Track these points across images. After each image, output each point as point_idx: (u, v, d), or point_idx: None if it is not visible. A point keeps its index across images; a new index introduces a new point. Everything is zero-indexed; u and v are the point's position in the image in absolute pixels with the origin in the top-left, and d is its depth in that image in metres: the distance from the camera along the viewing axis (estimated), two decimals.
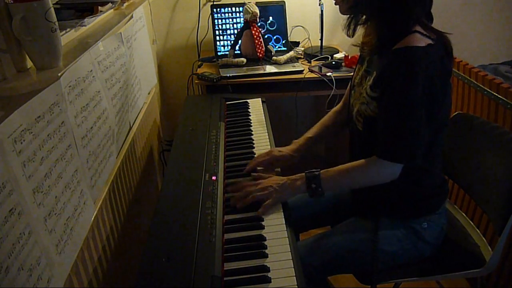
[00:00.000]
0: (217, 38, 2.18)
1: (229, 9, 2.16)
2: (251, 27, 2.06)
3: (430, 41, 1.02)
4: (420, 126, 1.03)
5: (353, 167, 1.12)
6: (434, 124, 1.07)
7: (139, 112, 1.62)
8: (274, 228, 1.04)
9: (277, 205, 1.12)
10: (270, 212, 1.10)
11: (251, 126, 1.55)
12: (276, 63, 2.06)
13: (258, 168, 1.28)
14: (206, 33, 2.30)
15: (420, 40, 1.02)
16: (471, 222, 1.36)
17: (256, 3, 2.11)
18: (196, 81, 1.99)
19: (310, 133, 1.39)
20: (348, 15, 1.13)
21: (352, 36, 1.20)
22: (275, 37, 2.22)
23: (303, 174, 1.14)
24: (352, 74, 1.94)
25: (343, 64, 2.03)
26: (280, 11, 2.19)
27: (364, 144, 1.20)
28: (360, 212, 1.25)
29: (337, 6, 1.15)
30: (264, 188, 1.13)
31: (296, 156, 1.33)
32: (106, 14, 1.38)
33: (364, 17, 1.11)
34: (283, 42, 2.23)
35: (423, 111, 1.03)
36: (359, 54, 1.32)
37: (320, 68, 1.99)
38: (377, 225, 1.17)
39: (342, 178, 1.13)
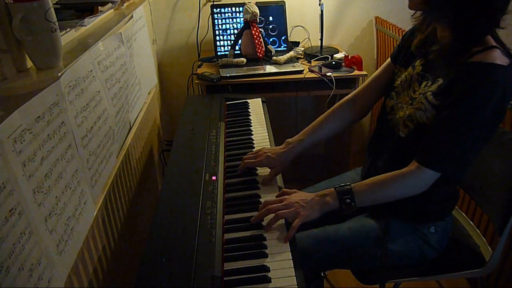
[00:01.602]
0: (217, 38, 2.18)
1: (229, 9, 2.16)
2: (251, 27, 2.06)
3: (508, 60, 0.97)
4: (476, 145, 1.01)
5: (389, 177, 1.06)
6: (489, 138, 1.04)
7: (139, 112, 1.62)
8: (274, 228, 1.04)
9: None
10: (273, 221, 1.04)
11: (251, 126, 1.55)
12: (276, 63, 2.06)
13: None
14: (206, 33, 2.30)
15: (502, 58, 0.96)
16: (471, 222, 1.36)
17: (256, 3, 2.11)
18: (196, 81, 2.00)
19: (304, 134, 1.30)
20: (419, 11, 1.06)
21: (424, 33, 1.12)
22: (275, 37, 2.22)
23: (332, 189, 1.07)
24: (351, 74, 1.97)
25: (343, 64, 2.03)
26: (280, 11, 2.19)
27: (402, 151, 1.13)
28: (368, 212, 1.24)
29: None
30: (289, 205, 1.05)
31: (284, 165, 1.26)
32: (106, 14, 1.38)
33: (436, 15, 1.03)
34: (283, 42, 2.23)
35: (486, 129, 0.99)
36: (404, 52, 1.22)
37: (320, 68, 1.99)
38: (387, 225, 1.17)
39: (377, 190, 1.07)
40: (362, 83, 2.01)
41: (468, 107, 0.98)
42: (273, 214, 1.03)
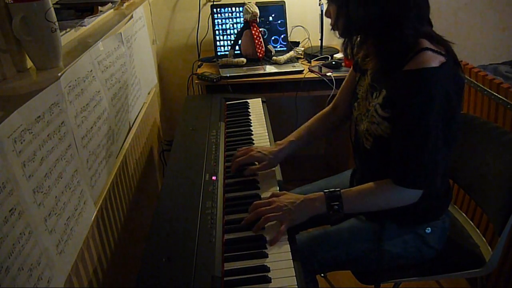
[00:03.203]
0: (217, 38, 2.18)
1: (229, 9, 2.16)
2: (251, 27, 2.06)
3: (442, 58, 0.97)
4: (438, 149, 0.99)
5: (376, 189, 1.07)
6: (450, 138, 1.03)
7: (139, 112, 1.62)
8: (274, 227, 1.04)
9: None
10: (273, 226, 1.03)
11: (251, 126, 1.55)
12: (276, 63, 2.06)
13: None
14: (206, 33, 2.30)
15: (434, 59, 0.96)
16: (471, 222, 1.36)
17: (256, 3, 2.11)
18: (196, 81, 1.99)
19: (293, 136, 1.34)
20: (344, 38, 1.10)
21: (353, 58, 1.16)
22: (275, 37, 2.22)
23: (322, 193, 1.08)
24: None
25: (343, 64, 2.03)
26: (280, 11, 2.19)
27: (371, 162, 1.16)
28: (364, 213, 1.24)
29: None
30: (277, 208, 1.05)
31: (274, 162, 1.28)
32: (106, 14, 1.38)
33: (359, 38, 1.09)
34: (283, 42, 2.23)
35: (441, 133, 0.99)
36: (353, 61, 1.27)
37: (320, 68, 1.99)
38: (382, 227, 1.17)
39: (364, 200, 1.08)
40: None
41: (415, 117, 0.98)
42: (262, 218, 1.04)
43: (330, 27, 1.11)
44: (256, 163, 1.27)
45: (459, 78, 1.01)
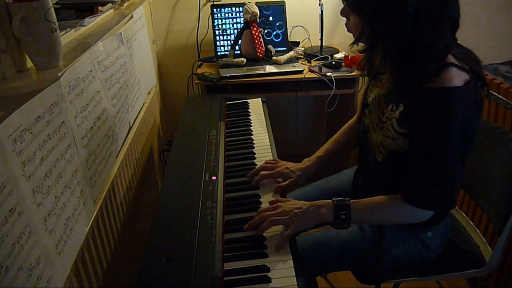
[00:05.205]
0: (217, 38, 2.18)
1: (229, 9, 2.16)
2: (251, 27, 2.06)
3: (467, 76, 0.92)
4: (456, 171, 0.97)
5: (386, 205, 1.04)
6: (466, 155, 1.00)
7: (139, 112, 1.62)
8: (274, 228, 1.04)
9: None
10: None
11: (251, 126, 1.55)
12: (276, 63, 2.06)
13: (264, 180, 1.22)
14: (206, 33, 2.30)
15: (458, 77, 0.91)
16: (471, 222, 1.36)
17: (256, 3, 2.11)
18: (196, 81, 2.00)
19: (321, 151, 1.30)
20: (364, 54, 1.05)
21: (374, 77, 1.12)
22: (275, 37, 2.22)
23: (330, 201, 1.04)
24: (351, 74, 1.97)
25: (343, 64, 2.03)
26: (280, 11, 2.20)
27: (380, 174, 1.13)
28: None
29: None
30: (283, 212, 1.02)
31: (303, 178, 1.24)
32: (106, 14, 1.38)
33: (378, 54, 1.03)
34: (283, 42, 2.23)
35: (459, 153, 0.96)
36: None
37: (320, 68, 1.99)
38: (383, 230, 1.16)
39: (373, 213, 1.05)
40: (363, 83, 2.02)
41: (435, 137, 0.94)
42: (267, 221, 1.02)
43: (346, 29, 1.04)
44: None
45: (480, 97, 0.97)
